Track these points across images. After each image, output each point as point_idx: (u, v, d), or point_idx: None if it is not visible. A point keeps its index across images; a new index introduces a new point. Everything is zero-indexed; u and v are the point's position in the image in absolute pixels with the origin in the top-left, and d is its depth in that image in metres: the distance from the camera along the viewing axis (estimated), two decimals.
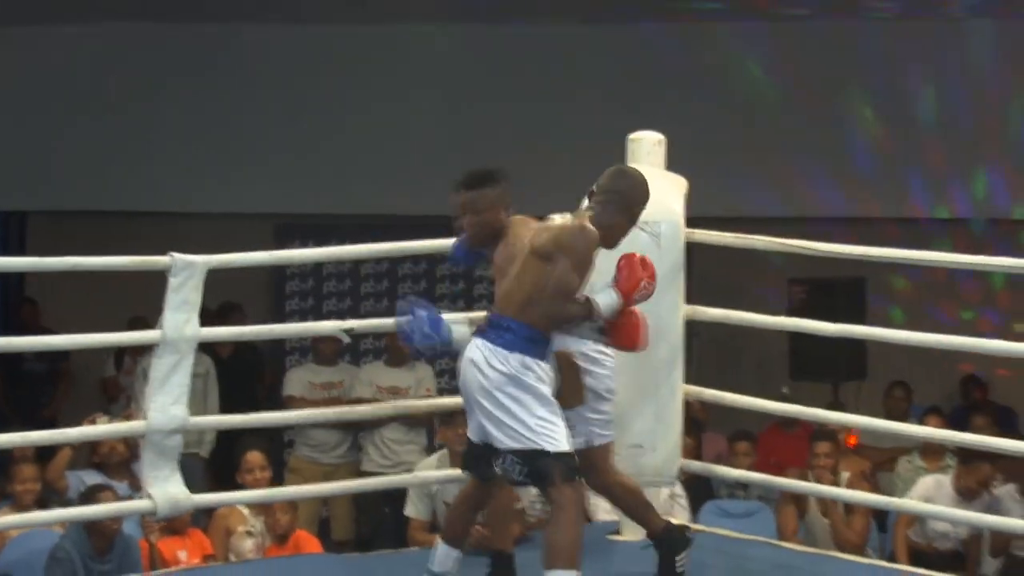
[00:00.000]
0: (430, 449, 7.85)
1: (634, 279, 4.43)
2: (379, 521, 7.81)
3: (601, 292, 4.43)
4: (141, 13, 9.40)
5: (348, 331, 5.44)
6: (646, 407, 5.42)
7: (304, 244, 8.67)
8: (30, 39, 9.59)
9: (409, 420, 7.90)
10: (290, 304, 10.08)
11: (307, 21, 9.68)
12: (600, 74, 9.54)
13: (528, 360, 4.34)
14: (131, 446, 6.63)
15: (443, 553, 4.60)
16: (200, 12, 9.48)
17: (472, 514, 4.68)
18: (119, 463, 7.08)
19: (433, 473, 6.02)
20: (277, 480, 7.32)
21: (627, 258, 4.48)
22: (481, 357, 4.33)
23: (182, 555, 6.28)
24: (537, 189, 8.99)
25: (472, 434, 4.45)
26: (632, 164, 5.62)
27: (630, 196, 4.52)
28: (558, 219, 4.56)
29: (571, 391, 4.55)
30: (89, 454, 7.41)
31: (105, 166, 9.60)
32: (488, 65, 9.74)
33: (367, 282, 10.12)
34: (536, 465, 4.30)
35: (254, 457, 6.64)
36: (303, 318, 9.55)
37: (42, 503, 6.56)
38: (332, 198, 9.81)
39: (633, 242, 5.29)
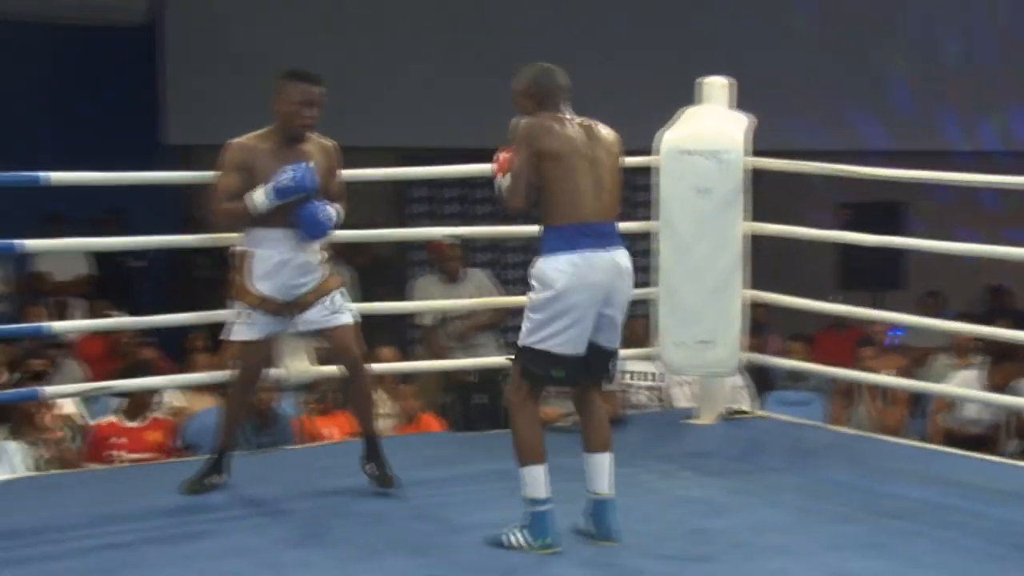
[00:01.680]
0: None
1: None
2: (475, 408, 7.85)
3: None
4: None
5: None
6: (711, 307, 5.46)
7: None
8: None
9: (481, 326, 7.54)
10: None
11: None
12: (673, 22, 9.42)
13: None
14: None
15: (543, 475, 3.93)
16: None
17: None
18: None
19: None
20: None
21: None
22: (628, 267, 4.01)
23: (328, 432, 6.40)
24: (629, 123, 9.03)
25: (579, 347, 3.94)
26: (702, 104, 5.65)
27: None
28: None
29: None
30: None
31: (259, 105, 9.65)
32: (568, 12, 9.65)
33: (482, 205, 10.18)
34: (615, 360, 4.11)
35: (386, 353, 6.74)
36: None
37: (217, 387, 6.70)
38: (451, 132, 9.80)
39: (699, 168, 5.38)
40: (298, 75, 4.42)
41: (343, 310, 4.51)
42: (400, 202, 10.23)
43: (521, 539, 3.92)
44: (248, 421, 6.00)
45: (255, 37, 9.63)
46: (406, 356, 8.75)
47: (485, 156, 4.28)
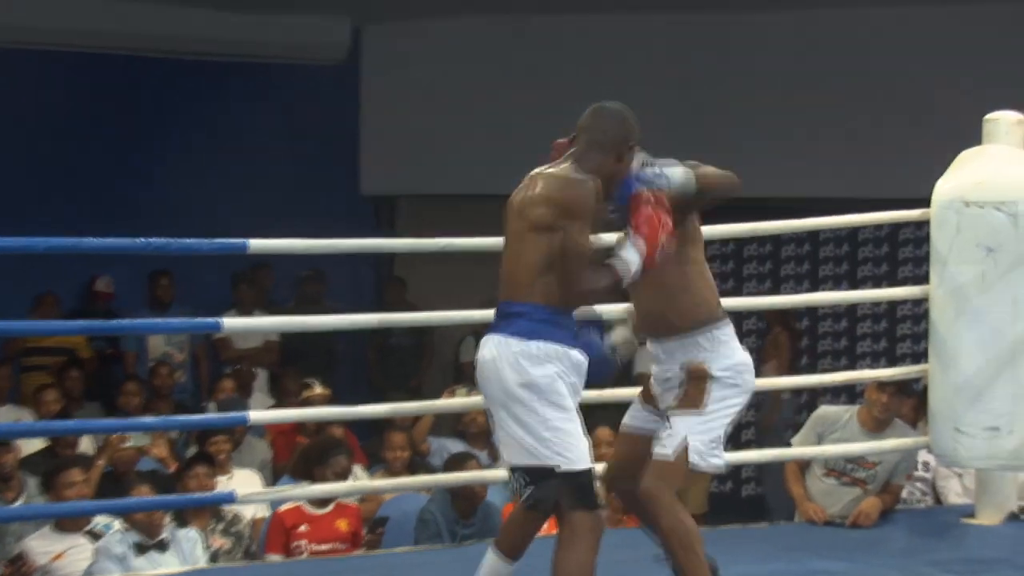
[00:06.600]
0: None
1: (655, 237, 3.75)
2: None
3: (624, 250, 3.77)
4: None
5: None
6: (1003, 388, 5.18)
7: None
8: (409, 31, 9.87)
9: None
10: None
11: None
12: (957, 53, 9.10)
13: (551, 348, 3.68)
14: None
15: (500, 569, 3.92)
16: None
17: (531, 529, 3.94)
18: (478, 433, 7.19)
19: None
20: None
21: (644, 210, 3.78)
22: (496, 353, 3.69)
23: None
24: (892, 168, 8.75)
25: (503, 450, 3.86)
26: (988, 145, 5.39)
27: (612, 133, 3.84)
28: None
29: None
30: (453, 423, 7.56)
31: (468, 152, 9.73)
32: (854, 46, 9.41)
33: (750, 264, 10.01)
34: (540, 485, 3.68)
35: (602, 433, 6.63)
36: None
37: (410, 468, 6.71)
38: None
39: (986, 222, 5.10)
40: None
41: (666, 443, 4.01)
42: None
43: None
44: (452, 510, 5.97)
45: (460, 74, 9.71)
46: None
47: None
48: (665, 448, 3.98)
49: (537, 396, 3.67)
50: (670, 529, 3.93)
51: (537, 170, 3.84)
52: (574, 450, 3.67)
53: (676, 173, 3.89)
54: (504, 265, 3.78)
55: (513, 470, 3.73)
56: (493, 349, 3.70)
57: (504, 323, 3.71)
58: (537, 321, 3.69)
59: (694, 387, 4.03)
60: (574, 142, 3.85)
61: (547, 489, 3.67)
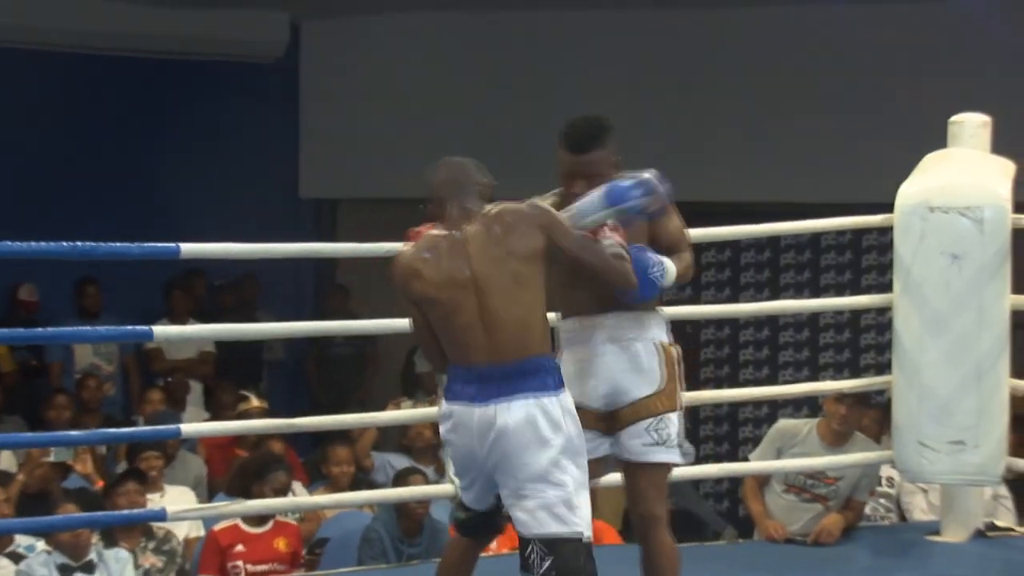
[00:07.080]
0: None
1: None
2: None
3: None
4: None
5: None
6: (968, 401, 5.20)
7: None
8: (365, 28, 9.83)
9: None
10: None
11: None
12: (921, 52, 9.13)
13: (569, 399, 3.63)
14: (438, 432, 6.67)
15: None
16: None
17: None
18: (424, 448, 7.17)
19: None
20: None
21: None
22: (534, 414, 3.55)
23: (492, 543, 6.26)
24: (855, 172, 8.77)
25: (477, 502, 3.77)
26: (954, 147, 5.42)
27: (473, 176, 3.76)
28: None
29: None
30: (398, 437, 7.52)
31: (412, 155, 9.67)
32: (814, 45, 9.42)
33: (708, 271, 9.93)
34: (565, 555, 3.56)
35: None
36: None
37: (354, 485, 6.67)
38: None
39: (952, 228, 5.12)
40: (562, 137, 3.95)
41: (669, 446, 3.92)
42: None
43: None
44: (397, 528, 5.94)
45: (404, 74, 9.66)
46: None
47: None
48: (671, 452, 3.91)
49: (572, 457, 3.58)
50: (670, 560, 3.93)
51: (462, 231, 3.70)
52: (589, 517, 3.61)
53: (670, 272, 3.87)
54: (494, 319, 3.58)
55: (533, 541, 3.59)
56: (524, 411, 3.55)
57: (526, 381, 3.57)
58: (554, 371, 3.62)
59: (671, 373, 3.94)
60: (439, 207, 3.74)
61: (572, 559, 3.56)
